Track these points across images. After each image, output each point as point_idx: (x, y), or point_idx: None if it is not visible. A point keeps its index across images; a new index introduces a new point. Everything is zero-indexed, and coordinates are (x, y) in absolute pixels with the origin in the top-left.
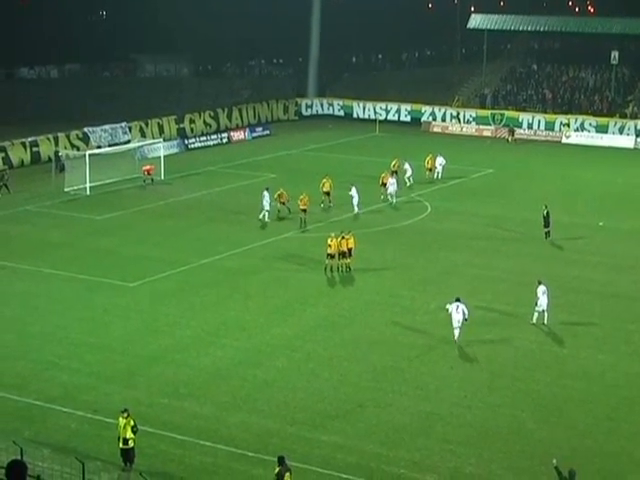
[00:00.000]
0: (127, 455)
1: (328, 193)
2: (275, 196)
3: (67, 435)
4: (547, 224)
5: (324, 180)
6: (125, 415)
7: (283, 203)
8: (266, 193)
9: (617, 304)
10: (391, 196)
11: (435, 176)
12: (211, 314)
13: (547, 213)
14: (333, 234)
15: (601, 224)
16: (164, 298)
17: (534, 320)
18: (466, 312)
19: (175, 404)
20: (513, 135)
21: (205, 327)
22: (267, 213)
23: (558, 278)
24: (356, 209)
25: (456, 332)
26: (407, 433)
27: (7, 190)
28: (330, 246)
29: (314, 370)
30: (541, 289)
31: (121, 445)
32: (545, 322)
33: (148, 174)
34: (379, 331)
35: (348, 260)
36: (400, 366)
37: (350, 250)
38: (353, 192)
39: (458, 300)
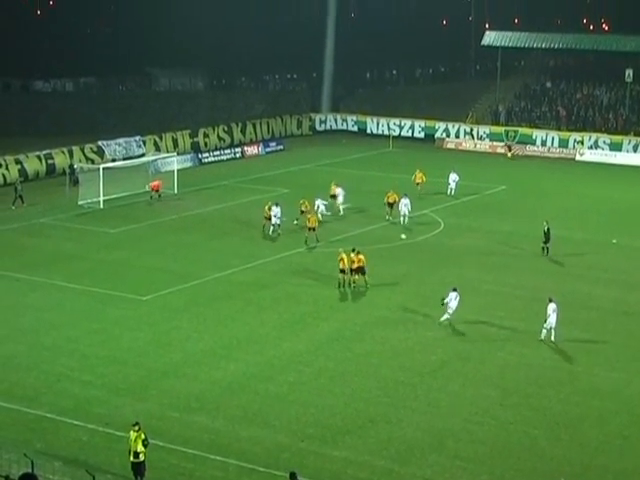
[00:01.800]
0: (138, 469)
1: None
2: (301, 206)
3: (78, 448)
4: (547, 240)
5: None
6: (136, 428)
7: (303, 212)
8: (274, 208)
9: (629, 321)
10: (404, 217)
11: (449, 192)
12: (223, 328)
13: (547, 229)
14: (342, 249)
15: (614, 241)
16: (176, 311)
17: (542, 337)
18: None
19: (186, 418)
20: (511, 150)
21: (217, 341)
22: (277, 227)
23: (570, 295)
24: (341, 210)
25: (445, 316)
26: (418, 449)
27: (22, 202)
28: (342, 261)
29: (326, 385)
30: (551, 307)
31: (132, 458)
32: (552, 339)
33: (155, 191)
34: (391, 346)
35: (357, 277)
36: (412, 382)
37: (361, 267)
38: (339, 191)
39: (455, 290)
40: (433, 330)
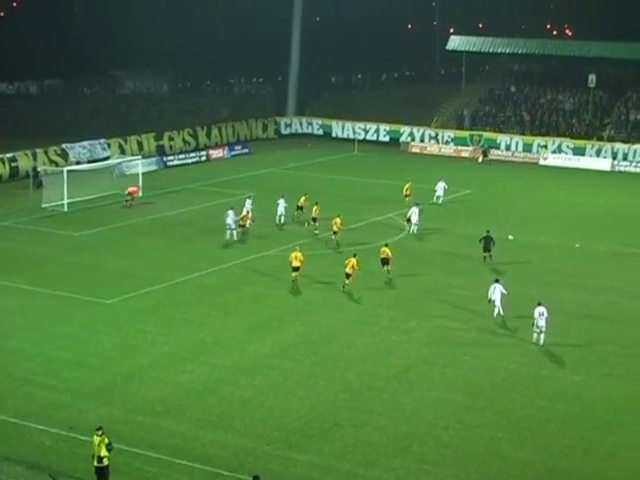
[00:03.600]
0: (102, 473)
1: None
2: (299, 203)
3: (41, 452)
4: (487, 248)
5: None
6: (100, 433)
7: (301, 208)
8: (230, 212)
9: (592, 325)
10: (415, 226)
11: (434, 200)
12: (189, 331)
13: (487, 237)
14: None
15: (578, 245)
16: (142, 315)
17: (534, 340)
18: (504, 291)
19: (151, 422)
20: (485, 156)
21: (183, 344)
22: (234, 232)
23: (534, 299)
24: (277, 220)
25: (496, 310)
26: (384, 453)
27: None
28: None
29: (291, 389)
30: (538, 310)
31: (96, 463)
32: (541, 343)
33: (132, 196)
34: (357, 350)
35: (348, 281)
36: (377, 386)
37: (298, 268)
38: (281, 203)
39: (497, 281)
40: (399, 334)
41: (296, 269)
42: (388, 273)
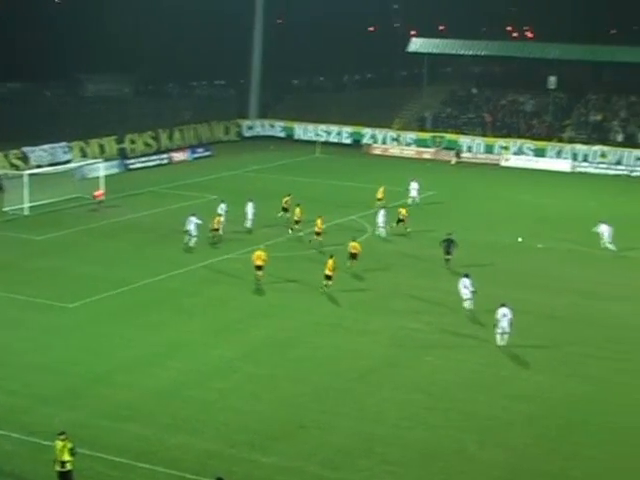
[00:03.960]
0: (64, 478)
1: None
2: (283, 202)
3: (3, 458)
4: (447, 251)
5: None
6: (62, 437)
7: (286, 209)
8: (193, 218)
9: (554, 326)
10: (383, 229)
11: (410, 202)
12: (153, 335)
13: (449, 239)
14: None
15: (540, 246)
16: (105, 319)
17: (498, 342)
18: (472, 287)
19: (115, 426)
20: (458, 158)
21: (147, 348)
22: (193, 239)
23: (497, 300)
24: (249, 224)
25: (466, 303)
26: (348, 454)
27: None
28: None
29: (255, 391)
30: (501, 311)
31: (58, 468)
32: (505, 344)
33: (98, 199)
34: (321, 352)
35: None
36: (341, 387)
37: (261, 267)
38: (250, 206)
39: (466, 276)
40: (362, 336)
41: (259, 268)
42: (351, 267)
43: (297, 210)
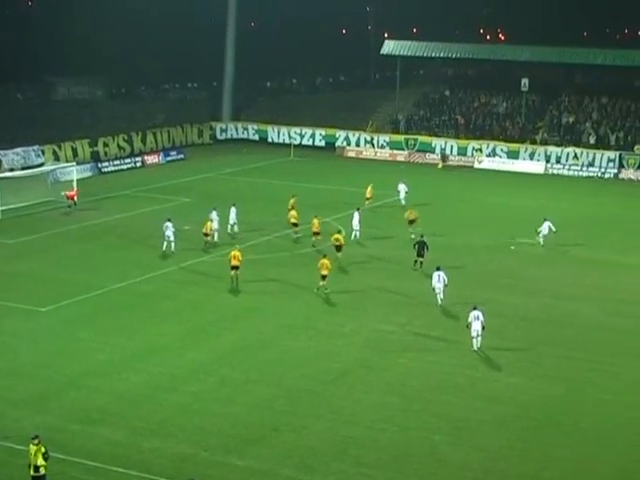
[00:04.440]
0: None
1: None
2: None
3: None
4: (420, 254)
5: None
6: (36, 442)
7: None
8: (169, 224)
9: (528, 327)
10: (357, 231)
11: (402, 202)
12: (125, 339)
13: (421, 242)
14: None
15: (513, 248)
16: (78, 322)
17: (474, 347)
18: (445, 279)
19: (88, 430)
20: (445, 161)
21: (119, 352)
22: (172, 244)
23: (470, 301)
24: (229, 229)
25: (438, 297)
26: (322, 457)
27: None
28: (322, 266)
29: (229, 394)
30: (473, 314)
31: (32, 472)
32: (479, 346)
33: (71, 199)
34: (294, 355)
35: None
36: (315, 390)
37: (237, 267)
38: (232, 211)
39: (438, 269)
40: (335, 338)
41: (235, 268)
42: (339, 259)
43: (292, 214)
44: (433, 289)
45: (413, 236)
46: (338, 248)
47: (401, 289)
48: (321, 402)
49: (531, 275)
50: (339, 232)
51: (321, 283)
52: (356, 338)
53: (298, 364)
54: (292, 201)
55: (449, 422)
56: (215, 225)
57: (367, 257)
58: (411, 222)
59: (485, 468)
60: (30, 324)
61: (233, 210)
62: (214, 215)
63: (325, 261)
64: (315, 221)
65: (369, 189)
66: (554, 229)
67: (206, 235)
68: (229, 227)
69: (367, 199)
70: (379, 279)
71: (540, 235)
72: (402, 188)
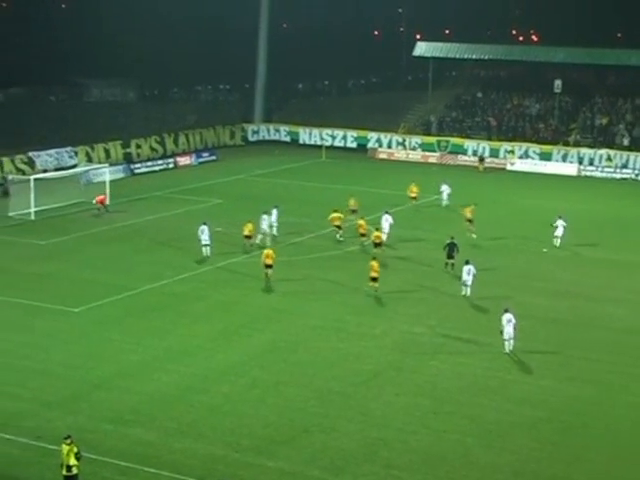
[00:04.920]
0: None
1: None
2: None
3: (9, 462)
4: (450, 255)
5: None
6: (68, 442)
7: (354, 211)
8: (205, 227)
9: (558, 330)
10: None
11: (443, 204)
12: (157, 339)
13: (451, 244)
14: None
15: (545, 250)
16: (109, 323)
17: (506, 350)
18: (474, 272)
19: (120, 430)
20: (483, 163)
21: (151, 352)
22: (209, 248)
23: (503, 304)
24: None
25: (467, 289)
26: (352, 459)
27: None
28: (372, 267)
29: (260, 396)
30: (506, 317)
31: (64, 472)
32: (511, 349)
33: (101, 204)
34: (325, 356)
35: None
36: (346, 391)
37: (270, 265)
38: (274, 213)
39: (467, 262)
40: (366, 340)
41: (269, 266)
42: (374, 255)
43: (337, 215)
44: (462, 282)
45: (474, 236)
46: (378, 245)
47: (432, 291)
48: (352, 404)
49: (562, 277)
50: (377, 229)
51: (371, 284)
52: (387, 340)
53: (329, 366)
54: (352, 202)
55: (480, 424)
56: (264, 226)
57: (398, 258)
58: (469, 221)
59: (516, 470)
60: (62, 325)
61: (275, 212)
62: (274, 217)
63: (374, 263)
64: (361, 222)
65: (413, 188)
66: (561, 227)
67: (247, 237)
68: (270, 229)
69: (412, 198)
70: (410, 281)
71: (556, 235)
72: (445, 189)
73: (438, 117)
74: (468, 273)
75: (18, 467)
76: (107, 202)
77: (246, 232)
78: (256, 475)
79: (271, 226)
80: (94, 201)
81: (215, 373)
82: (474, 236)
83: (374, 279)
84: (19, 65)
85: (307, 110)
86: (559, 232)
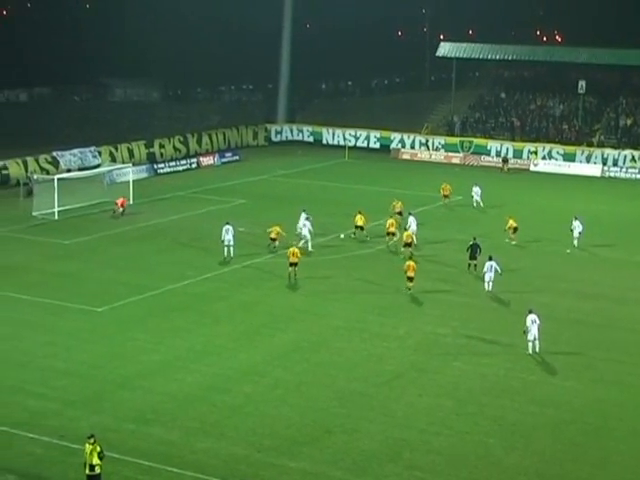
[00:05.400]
0: None
1: (362, 227)
2: (391, 207)
3: (33, 461)
4: (473, 256)
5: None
6: (91, 441)
7: (400, 213)
8: (229, 227)
9: (582, 331)
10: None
11: (475, 205)
12: (179, 339)
13: (473, 244)
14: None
15: (568, 251)
16: (132, 323)
17: (529, 351)
18: (498, 269)
19: (142, 430)
20: (507, 163)
21: (173, 352)
22: (232, 248)
23: (527, 305)
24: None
25: (489, 285)
26: (375, 459)
27: None
28: (408, 268)
29: (282, 396)
30: (530, 318)
31: (87, 471)
32: (537, 351)
33: (121, 207)
34: (347, 357)
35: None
36: (368, 392)
37: (296, 263)
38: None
39: (490, 259)
40: (388, 341)
41: (294, 264)
42: (411, 254)
43: (359, 217)
44: (483, 278)
45: (514, 242)
46: (408, 245)
47: (455, 292)
48: (374, 404)
49: (585, 278)
50: (406, 230)
51: (409, 284)
52: (409, 341)
53: (351, 366)
54: (398, 204)
55: (503, 426)
56: (305, 231)
57: (423, 259)
58: (514, 229)
59: (539, 472)
60: (85, 324)
61: (303, 215)
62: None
63: (411, 263)
64: (392, 221)
65: (446, 187)
66: (578, 228)
67: (273, 240)
68: (298, 229)
69: (445, 196)
70: (434, 281)
71: (574, 236)
72: (476, 191)
73: (461, 118)
74: (490, 269)
75: (41, 466)
76: (126, 204)
77: (273, 235)
78: (278, 475)
79: (300, 230)
80: (115, 205)
81: (237, 373)
82: (513, 243)
83: (410, 279)
84: (43, 65)
85: (330, 110)
86: (576, 233)
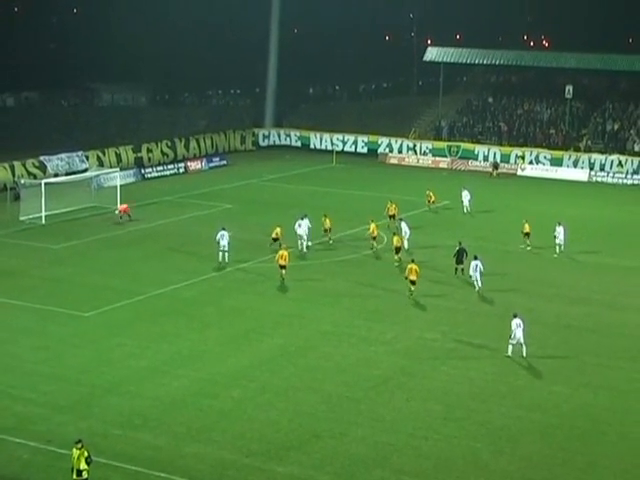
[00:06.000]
0: None
1: (328, 230)
2: (385, 210)
3: (20, 466)
4: (459, 261)
5: (324, 219)
6: (79, 446)
7: (392, 216)
8: (224, 232)
9: (570, 335)
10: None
11: (464, 211)
12: (167, 344)
13: (460, 250)
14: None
15: (555, 256)
16: (119, 328)
17: (509, 353)
18: (482, 268)
19: (130, 435)
20: (497, 169)
21: (160, 357)
22: (227, 254)
23: (513, 309)
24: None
25: (476, 284)
26: (363, 464)
27: None
28: (410, 270)
29: (270, 400)
30: (515, 322)
31: (75, 476)
32: (524, 355)
33: (124, 213)
34: (335, 361)
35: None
36: (356, 397)
37: (284, 266)
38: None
39: (475, 258)
40: (377, 345)
41: (283, 267)
42: (399, 260)
43: (372, 226)
44: (470, 277)
45: (529, 248)
46: (397, 250)
47: (443, 296)
48: (362, 409)
49: (574, 283)
50: (394, 234)
51: (412, 288)
52: (398, 345)
53: (339, 371)
54: (393, 207)
55: (491, 430)
56: (300, 231)
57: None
58: (527, 235)
59: (527, 477)
60: (73, 329)
61: (304, 223)
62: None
63: (413, 266)
64: (372, 225)
65: (430, 194)
66: (561, 234)
67: (275, 240)
68: (299, 244)
69: (430, 202)
70: (422, 286)
71: (557, 242)
72: (465, 195)
73: (449, 122)
74: (475, 269)
75: (29, 471)
76: (130, 211)
77: (274, 235)
78: None
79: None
80: (117, 211)
81: (225, 378)
82: (528, 248)
83: (413, 282)
84: (31, 69)
85: (318, 115)
86: (560, 239)
